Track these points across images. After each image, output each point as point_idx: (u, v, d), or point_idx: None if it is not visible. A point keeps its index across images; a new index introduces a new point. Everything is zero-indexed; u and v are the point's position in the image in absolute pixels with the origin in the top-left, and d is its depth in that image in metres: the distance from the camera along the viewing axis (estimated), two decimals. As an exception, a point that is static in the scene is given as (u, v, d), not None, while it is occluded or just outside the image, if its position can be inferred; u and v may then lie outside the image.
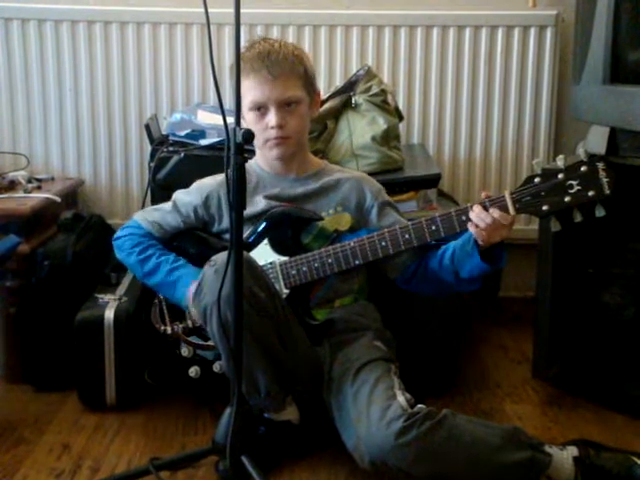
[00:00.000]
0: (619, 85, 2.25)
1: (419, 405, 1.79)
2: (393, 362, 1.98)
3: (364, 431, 1.77)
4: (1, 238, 2.20)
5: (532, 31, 2.82)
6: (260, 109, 2.02)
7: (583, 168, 1.76)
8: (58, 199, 2.57)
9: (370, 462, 1.76)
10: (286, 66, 2.01)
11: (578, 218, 1.79)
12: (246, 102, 2.01)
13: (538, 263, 2.43)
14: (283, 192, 2.10)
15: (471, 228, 1.84)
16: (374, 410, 1.77)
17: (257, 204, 2.07)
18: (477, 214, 1.83)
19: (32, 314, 2.35)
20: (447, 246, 1.98)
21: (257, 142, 2.06)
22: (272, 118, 2.01)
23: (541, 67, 2.85)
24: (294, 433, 1.99)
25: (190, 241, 2.14)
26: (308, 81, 2.07)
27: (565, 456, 1.81)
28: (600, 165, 1.75)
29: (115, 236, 2.18)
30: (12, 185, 2.62)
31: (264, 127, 2.01)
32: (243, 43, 1.88)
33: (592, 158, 1.76)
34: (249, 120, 2.03)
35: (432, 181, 2.43)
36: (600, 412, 2.24)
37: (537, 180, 1.79)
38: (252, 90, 2.00)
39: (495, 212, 1.81)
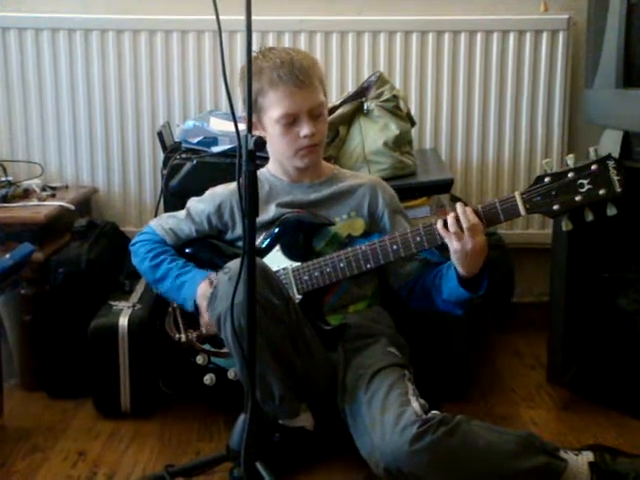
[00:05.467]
0: (632, 89, 2.25)
1: (433, 411, 1.78)
2: (407, 368, 1.98)
3: (378, 438, 1.76)
4: (16, 246, 2.21)
5: (544, 35, 2.82)
6: (292, 120, 2.01)
7: (594, 167, 1.75)
8: (72, 207, 2.58)
9: (385, 469, 1.75)
10: (311, 73, 2.01)
11: (590, 217, 1.77)
12: (274, 114, 1.99)
13: (552, 267, 2.42)
14: (296, 199, 2.10)
15: (445, 235, 1.85)
16: (388, 416, 1.77)
17: (269, 212, 2.08)
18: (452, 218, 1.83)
19: (47, 322, 2.36)
20: (447, 264, 1.97)
21: (282, 152, 2.06)
22: (305, 128, 1.99)
23: (553, 71, 2.84)
24: (308, 439, 1.99)
25: (203, 248, 2.15)
26: (324, 85, 2.08)
27: (580, 462, 1.79)
28: (611, 163, 1.74)
29: (131, 242, 2.20)
30: (27, 193, 2.64)
31: (294, 137, 2.00)
32: (254, 50, 1.89)
33: (603, 157, 1.75)
34: (275, 132, 2.01)
35: (445, 186, 2.43)
36: (616, 417, 2.23)
37: (547, 180, 1.78)
38: (282, 101, 1.98)
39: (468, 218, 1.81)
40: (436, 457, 1.71)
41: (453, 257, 1.86)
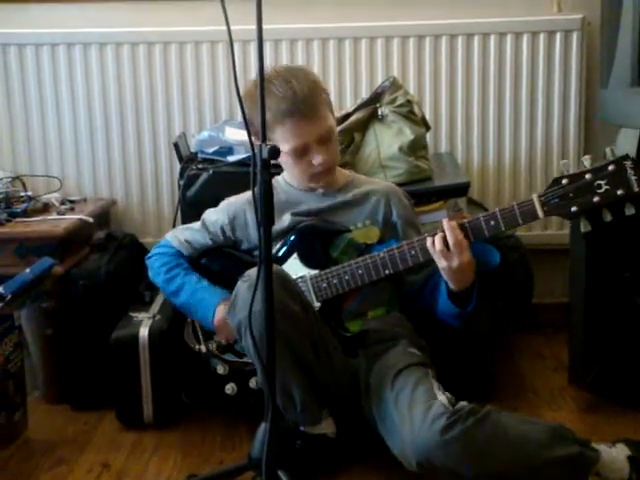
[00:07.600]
0: (647, 87, 2.23)
1: (461, 402, 1.78)
2: (430, 367, 1.97)
3: (408, 433, 1.75)
4: (36, 260, 2.23)
5: (558, 36, 2.81)
6: (302, 151, 2.01)
7: (611, 167, 1.74)
8: (91, 220, 2.60)
9: (418, 464, 1.74)
10: (315, 101, 2.00)
11: (608, 218, 1.77)
12: (284, 148, 1.95)
13: (571, 268, 2.41)
14: (311, 207, 2.11)
15: (432, 253, 1.86)
16: (416, 411, 1.77)
17: (284, 221, 2.08)
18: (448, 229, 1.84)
19: (69, 334, 2.38)
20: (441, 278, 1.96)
21: (296, 177, 2.09)
22: (317, 157, 2.01)
23: (568, 72, 2.83)
24: (330, 447, 1.99)
25: (220, 258, 2.15)
26: (330, 103, 2.08)
27: (615, 454, 1.78)
28: (628, 163, 1.73)
29: (147, 255, 2.22)
30: (46, 207, 2.65)
31: (307, 165, 2.03)
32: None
33: (619, 157, 1.75)
34: (288, 162, 2.04)
35: (461, 190, 2.42)
36: (639, 418, 2.21)
37: (564, 181, 1.78)
38: (290, 137, 1.99)
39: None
40: (467, 446, 1.70)
41: (442, 273, 1.88)
